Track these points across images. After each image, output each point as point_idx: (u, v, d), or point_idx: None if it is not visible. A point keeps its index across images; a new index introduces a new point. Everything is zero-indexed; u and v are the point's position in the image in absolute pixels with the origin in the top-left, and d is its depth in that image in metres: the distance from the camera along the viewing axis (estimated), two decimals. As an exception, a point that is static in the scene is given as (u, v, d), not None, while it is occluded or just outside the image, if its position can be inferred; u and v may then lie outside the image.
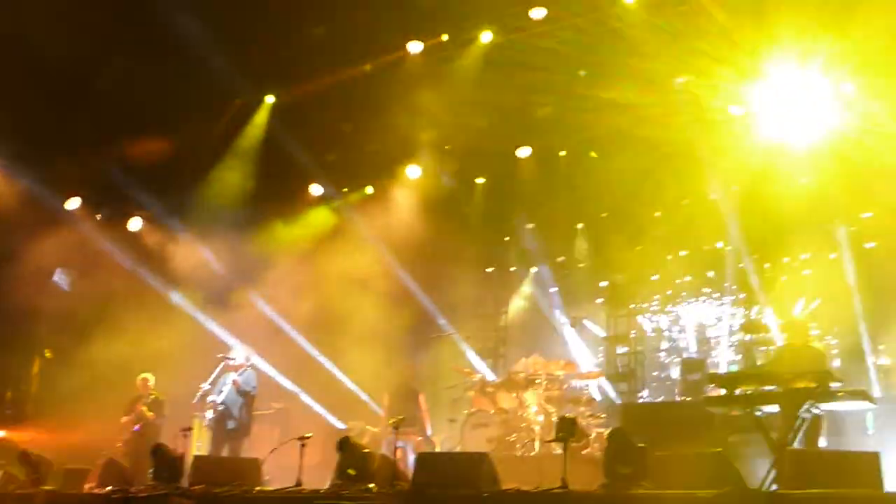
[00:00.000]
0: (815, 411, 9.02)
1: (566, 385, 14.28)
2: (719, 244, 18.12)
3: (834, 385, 8.76)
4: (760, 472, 8.77)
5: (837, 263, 15.77)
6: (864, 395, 8.90)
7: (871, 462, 7.70)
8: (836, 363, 14.80)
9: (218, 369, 12.37)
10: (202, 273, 16.65)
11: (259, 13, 14.83)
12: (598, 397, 15.04)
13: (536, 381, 13.83)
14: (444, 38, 16.33)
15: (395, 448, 9.74)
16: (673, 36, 14.42)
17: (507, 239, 20.06)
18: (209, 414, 12.15)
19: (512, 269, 20.32)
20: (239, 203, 17.09)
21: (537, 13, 14.96)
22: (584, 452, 12.86)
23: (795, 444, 8.84)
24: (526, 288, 20.19)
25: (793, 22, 13.01)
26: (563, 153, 18.00)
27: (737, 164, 15.42)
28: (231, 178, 17.05)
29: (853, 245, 15.56)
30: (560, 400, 13.94)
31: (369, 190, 19.21)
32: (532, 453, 12.98)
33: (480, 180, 19.08)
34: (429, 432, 13.71)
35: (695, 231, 17.89)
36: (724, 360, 18.35)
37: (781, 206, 15.30)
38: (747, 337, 17.02)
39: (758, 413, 9.06)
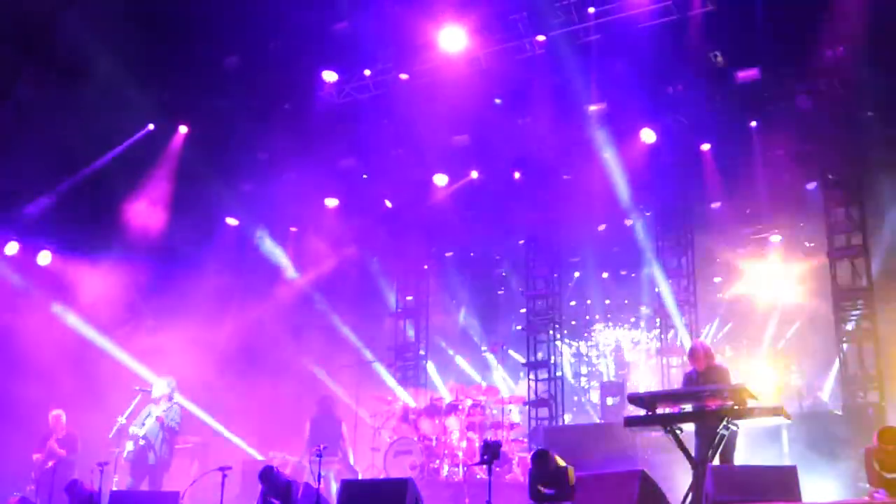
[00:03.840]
0: (733, 428, 9.18)
1: (488, 410, 14.31)
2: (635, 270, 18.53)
3: (751, 402, 8.92)
4: (682, 489, 8.90)
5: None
6: (779, 412, 9.09)
7: (788, 476, 7.89)
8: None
9: (135, 402, 12.09)
10: (115, 305, 16.32)
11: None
12: (519, 422, 15.07)
13: (459, 407, 13.84)
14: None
15: (319, 476, 9.62)
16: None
17: (426, 267, 20.12)
18: (129, 447, 11.86)
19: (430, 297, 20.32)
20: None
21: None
22: (507, 477, 12.92)
23: (714, 461, 8.98)
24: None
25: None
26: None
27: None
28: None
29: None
30: (482, 425, 13.97)
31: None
32: (456, 479, 12.96)
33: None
34: (351, 461, 13.59)
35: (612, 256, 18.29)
36: (642, 383, 18.67)
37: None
38: (664, 360, 17.28)
39: (678, 432, 9.18)
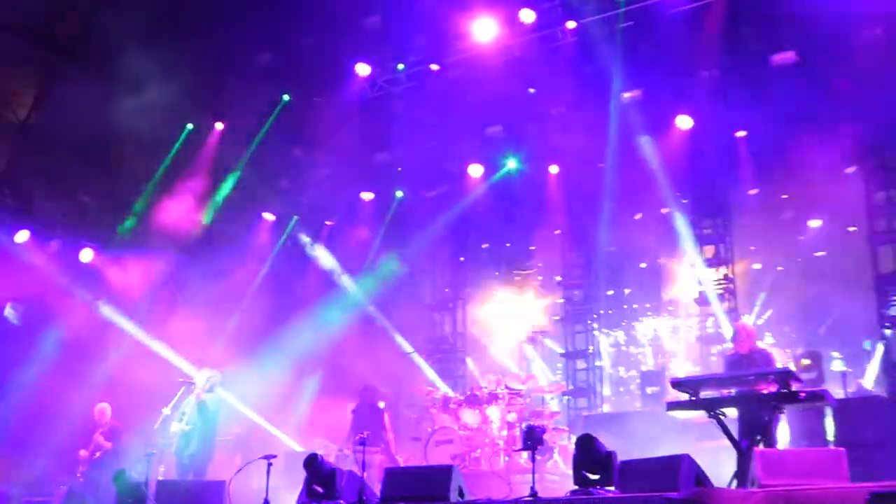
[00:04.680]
0: (778, 412, 9.12)
1: (528, 399, 14.30)
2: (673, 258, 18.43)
3: (795, 386, 8.86)
4: (725, 474, 8.86)
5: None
6: (824, 397, 9.02)
7: (837, 459, 7.82)
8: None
9: (179, 394, 12.21)
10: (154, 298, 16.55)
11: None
12: (558, 411, 15.07)
13: (499, 397, 13.84)
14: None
15: (363, 464, 9.66)
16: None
17: (461, 259, 20.15)
18: (173, 439, 11.99)
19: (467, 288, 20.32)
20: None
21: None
22: (548, 465, 12.90)
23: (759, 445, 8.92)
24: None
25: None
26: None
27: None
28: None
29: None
30: (523, 414, 13.96)
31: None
32: (498, 468, 12.97)
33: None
34: (393, 450, 13.64)
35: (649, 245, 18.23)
36: (682, 372, 18.52)
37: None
38: (704, 348, 17.16)
39: (721, 416, 9.12)
